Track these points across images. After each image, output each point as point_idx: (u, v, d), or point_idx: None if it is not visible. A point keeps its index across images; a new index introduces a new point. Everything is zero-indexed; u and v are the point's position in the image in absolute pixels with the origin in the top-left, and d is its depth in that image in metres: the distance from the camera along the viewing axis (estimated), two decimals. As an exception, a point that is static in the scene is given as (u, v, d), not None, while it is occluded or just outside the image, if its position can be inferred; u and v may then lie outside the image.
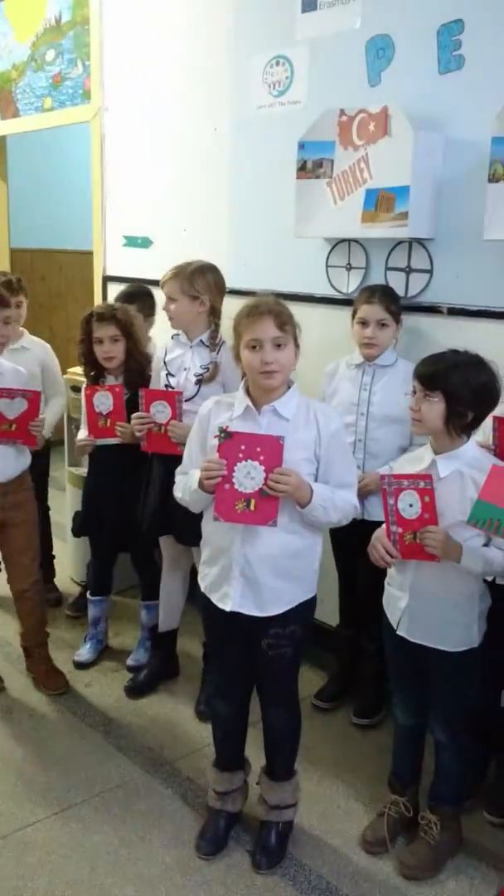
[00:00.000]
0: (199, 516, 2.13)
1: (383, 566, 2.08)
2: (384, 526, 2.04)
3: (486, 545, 1.99)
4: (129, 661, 3.13)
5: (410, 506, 1.98)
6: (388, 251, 2.82)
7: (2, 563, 3.02)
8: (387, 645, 2.22)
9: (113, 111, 3.94)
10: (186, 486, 2.08)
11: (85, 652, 3.18)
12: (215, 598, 2.07)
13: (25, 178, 5.55)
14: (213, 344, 2.67)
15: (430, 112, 2.59)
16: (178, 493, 2.14)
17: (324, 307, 3.00)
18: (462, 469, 2.00)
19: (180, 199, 3.61)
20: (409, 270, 2.77)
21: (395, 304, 2.60)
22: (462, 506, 1.95)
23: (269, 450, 1.91)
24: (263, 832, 2.23)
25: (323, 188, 2.78)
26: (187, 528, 2.40)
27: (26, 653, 3.02)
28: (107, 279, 4.12)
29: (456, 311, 2.63)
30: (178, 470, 2.18)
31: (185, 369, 2.69)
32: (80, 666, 3.12)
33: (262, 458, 1.91)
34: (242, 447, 1.92)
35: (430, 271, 2.70)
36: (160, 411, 2.64)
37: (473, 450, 2.04)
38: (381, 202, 2.60)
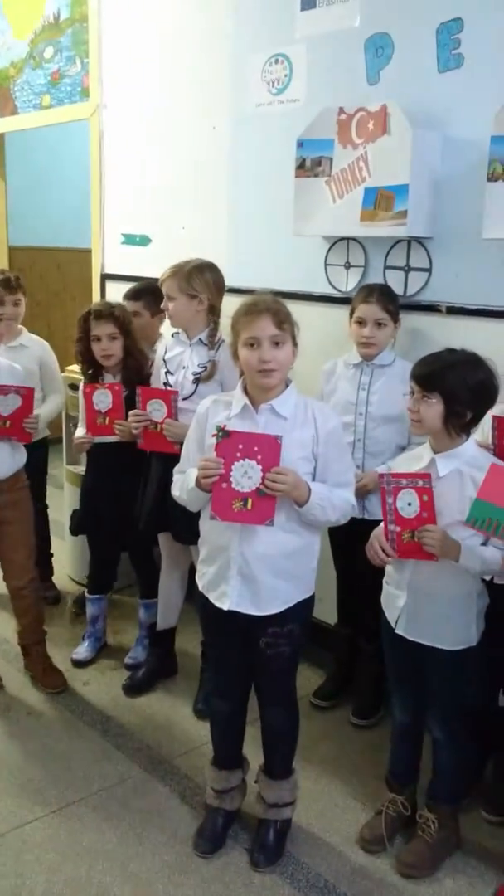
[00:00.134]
0: (197, 515, 2.13)
1: (379, 564, 2.09)
2: (383, 524, 2.04)
3: (483, 544, 1.99)
4: (128, 660, 3.14)
5: (409, 504, 1.98)
6: (386, 250, 2.81)
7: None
8: (385, 643, 2.22)
9: (111, 109, 3.93)
10: (184, 484, 2.08)
11: (83, 650, 3.18)
12: (213, 597, 2.07)
13: (24, 175, 5.54)
14: (212, 342, 2.67)
15: (430, 110, 2.59)
16: (176, 491, 2.14)
17: (322, 306, 3.00)
18: (461, 468, 2.00)
19: (179, 196, 3.60)
20: (407, 269, 2.76)
21: (393, 304, 2.60)
22: (461, 505, 1.95)
23: (267, 449, 1.91)
24: (261, 830, 2.23)
25: (322, 186, 2.77)
26: (185, 526, 2.40)
27: (24, 651, 3.02)
28: (105, 277, 4.12)
29: (455, 310, 2.63)
30: (176, 468, 2.18)
31: (184, 368, 2.69)
32: (79, 664, 3.12)
33: (259, 457, 1.91)
34: (240, 446, 1.92)
35: (429, 270, 2.70)
36: (156, 410, 2.64)
37: (472, 449, 2.04)
38: (379, 201, 2.60)
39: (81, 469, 3.31)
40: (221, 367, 2.62)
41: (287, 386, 2.03)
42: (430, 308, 2.70)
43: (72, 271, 6.03)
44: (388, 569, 2.16)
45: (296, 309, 2.03)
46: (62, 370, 3.52)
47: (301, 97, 3.03)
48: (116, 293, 3.77)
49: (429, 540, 1.95)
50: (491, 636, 2.11)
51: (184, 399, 2.63)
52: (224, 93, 3.32)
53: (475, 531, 1.94)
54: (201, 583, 2.13)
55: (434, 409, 1.97)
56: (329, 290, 3.01)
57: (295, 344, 2.00)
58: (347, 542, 2.65)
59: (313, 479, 2.00)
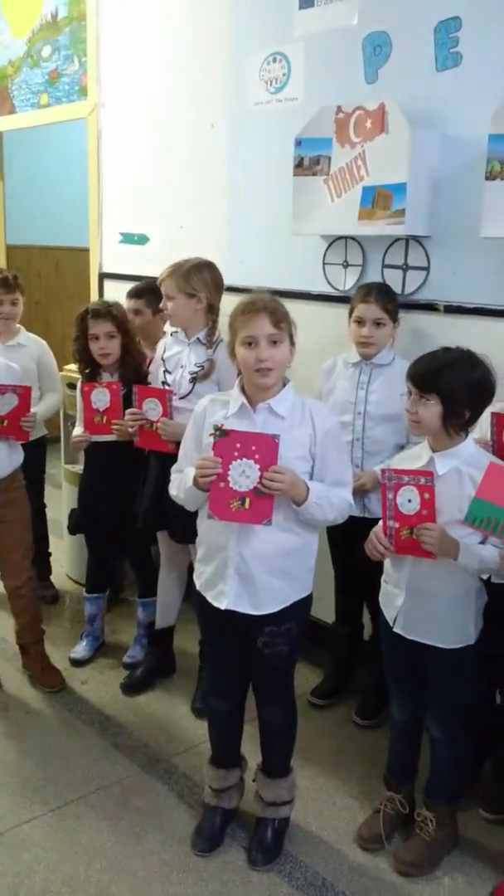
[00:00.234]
0: (195, 514, 2.13)
1: (377, 558, 2.09)
2: (382, 520, 2.04)
3: (482, 543, 1.99)
4: (126, 659, 3.13)
5: (409, 501, 1.98)
6: (384, 248, 2.81)
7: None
8: (383, 642, 2.22)
9: (109, 107, 3.93)
10: (182, 483, 2.08)
11: (81, 649, 3.18)
12: (210, 597, 2.07)
13: (22, 174, 5.53)
14: (211, 341, 2.67)
15: (428, 109, 2.59)
16: (174, 490, 2.14)
17: (320, 304, 3.00)
18: (460, 466, 2.00)
19: (177, 195, 3.60)
20: (405, 268, 2.76)
21: (391, 303, 2.59)
22: (459, 503, 1.95)
23: (265, 448, 1.91)
24: (259, 829, 2.23)
25: (320, 185, 2.77)
26: (183, 525, 2.40)
27: (22, 650, 3.02)
28: (103, 276, 4.11)
29: (453, 309, 2.63)
30: (174, 468, 2.17)
31: (182, 367, 2.68)
32: (77, 663, 3.12)
33: (257, 456, 1.91)
34: (237, 445, 1.92)
35: (427, 269, 2.70)
36: (152, 408, 2.64)
37: (471, 447, 2.04)
38: (377, 199, 2.60)
39: (79, 468, 3.31)
40: (219, 366, 2.61)
41: (284, 385, 2.03)
42: (428, 307, 2.70)
43: (70, 270, 6.02)
44: (387, 568, 2.16)
45: (294, 308, 2.03)
46: (60, 369, 3.51)
47: (299, 96, 3.03)
48: (114, 292, 3.77)
49: (427, 538, 1.95)
50: (489, 634, 2.11)
51: (181, 398, 2.63)
52: (222, 92, 3.32)
53: (473, 530, 1.94)
54: (199, 582, 2.12)
55: (432, 409, 1.97)
56: (327, 289, 3.01)
57: (292, 343, 2.00)
58: (346, 540, 2.65)
59: (311, 479, 2.00)
